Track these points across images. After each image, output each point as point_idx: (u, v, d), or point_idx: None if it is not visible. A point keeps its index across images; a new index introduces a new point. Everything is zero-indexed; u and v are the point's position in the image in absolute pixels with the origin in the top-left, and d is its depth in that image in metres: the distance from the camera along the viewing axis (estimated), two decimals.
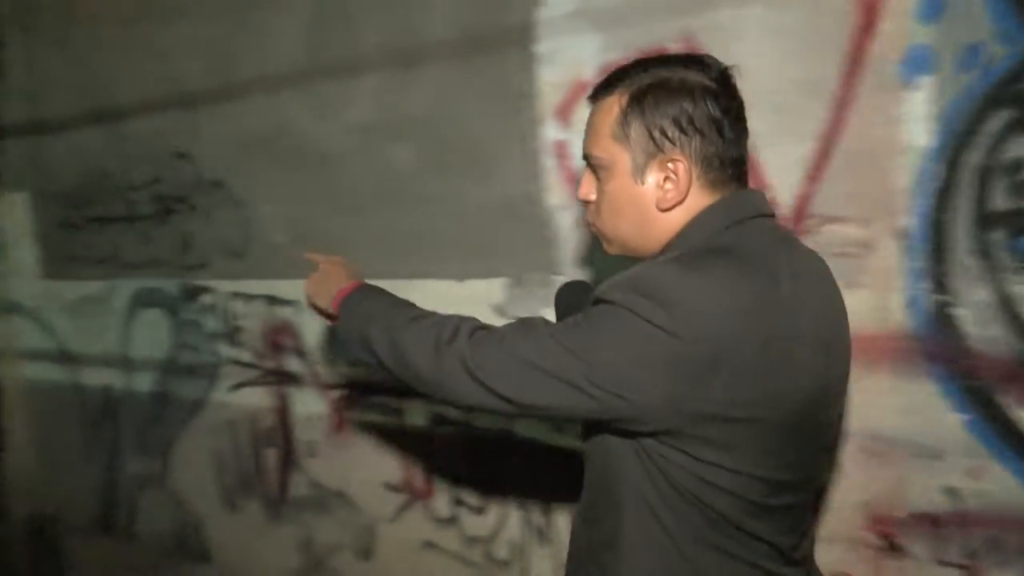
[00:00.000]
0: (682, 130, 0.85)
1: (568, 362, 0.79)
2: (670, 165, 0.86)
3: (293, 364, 2.33)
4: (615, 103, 0.88)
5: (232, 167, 2.37)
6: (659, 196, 0.88)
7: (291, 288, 2.26)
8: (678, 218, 0.87)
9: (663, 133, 0.85)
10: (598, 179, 0.92)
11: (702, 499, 0.83)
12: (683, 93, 0.84)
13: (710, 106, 0.85)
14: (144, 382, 2.71)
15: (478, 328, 0.90)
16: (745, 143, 0.90)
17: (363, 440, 2.22)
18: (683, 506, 0.84)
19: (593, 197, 0.94)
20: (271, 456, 2.41)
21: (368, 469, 2.21)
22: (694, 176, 0.86)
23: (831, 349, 0.88)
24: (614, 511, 0.89)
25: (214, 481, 2.56)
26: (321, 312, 1.14)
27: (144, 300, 2.68)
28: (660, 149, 0.86)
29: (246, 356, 2.42)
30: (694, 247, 0.84)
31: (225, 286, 2.47)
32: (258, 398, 2.41)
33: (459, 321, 0.91)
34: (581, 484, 1.01)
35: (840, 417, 1.05)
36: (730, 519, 0.83)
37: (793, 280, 0.84)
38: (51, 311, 2.97)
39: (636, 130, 0.86)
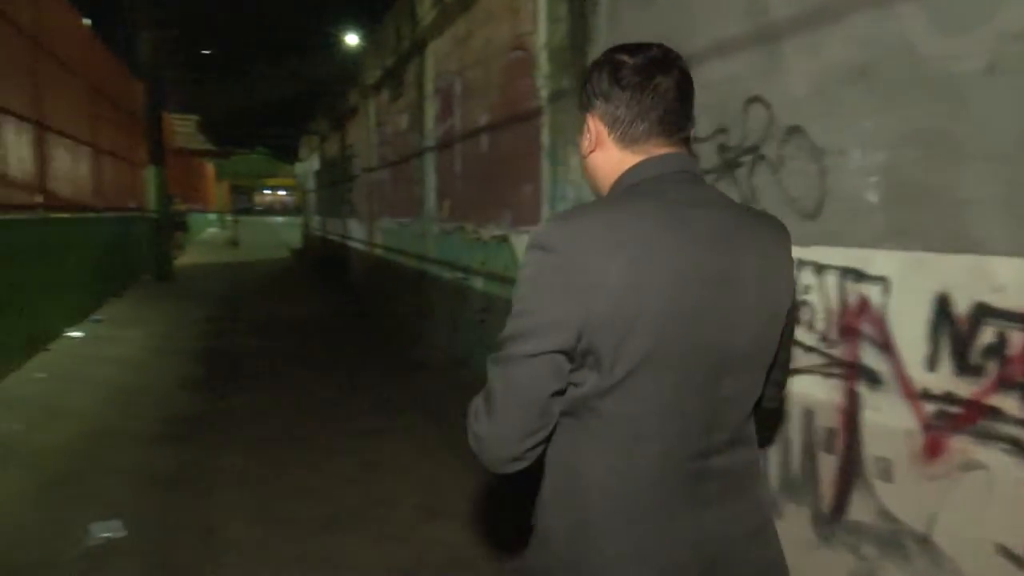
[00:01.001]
0: (593, 95, 1.11)
1: (512, 327, 0.99)
2: (588, 122, 1.14)
3: (871, 358, 1.83)
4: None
5: (815, 108, 1.96)
6: (583, 145, 1.16)
7: (884, 261, 1.75)
8: (600, 165, 1.14)
9: (585, 97, 1.13)
10: None
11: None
12: (600, 67, 1.10)
13: (616, 78, 1.07)
14: None
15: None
16: (669, 114, 1.07)
17: (970, 480, 1.59)
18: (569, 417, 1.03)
19: None
20: (827, 464, 1.98)
21: (973, 520, 1.58)
22: (605, 133, 1.11)
23: (733, 284, 1.02)
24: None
25: None
26: None
27: None
28: (584, 109, 1.14)
29: (809, 338, 2.02)
30: (608, 195, 1.12)
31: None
32: (819, 390, 2.00)
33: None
34: None
35: (766, 350, 1.09)
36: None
37: (679, 223, 1.01)
38: None
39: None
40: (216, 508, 3.36)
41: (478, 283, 4.96)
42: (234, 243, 23.35)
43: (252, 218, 62.32)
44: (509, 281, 4.31)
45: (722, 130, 2.33)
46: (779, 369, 1.20)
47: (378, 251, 9.16)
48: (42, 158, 7.24)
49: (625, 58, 1.07)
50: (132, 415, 4.77)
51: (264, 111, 21.97)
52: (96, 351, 6.73)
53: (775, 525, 1.13)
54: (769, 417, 1.94)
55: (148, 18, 11.87)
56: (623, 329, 0.96)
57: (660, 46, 1.09)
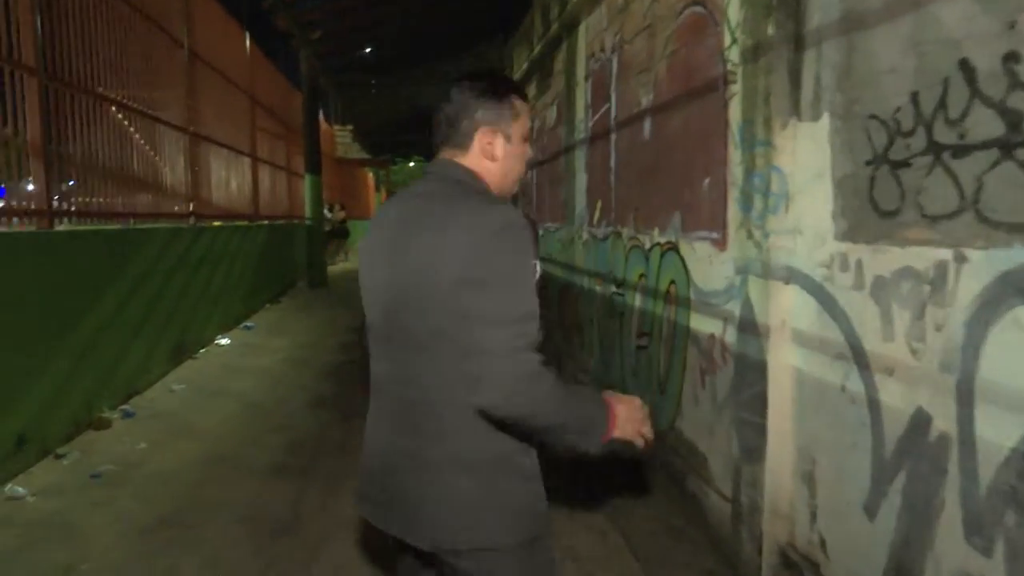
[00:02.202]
0: None
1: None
2: None
3: None
4: None
5: None
6: None
7: None
8: None
9: None
10: None
11: None
12: None
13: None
14: (1005, 429, 1.57)
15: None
16: (440, 133, 1.40)
17: None
18: None
19: None
20: None
21: None
22: None
23: (403, 264, 1.27)
24: None
25: None
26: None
27: (1019, 286, 1.52)
28: None
29: None
30: None
31: None
32: None
33: None
34: None
35: (439, 331, 1.23)
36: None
37: (397, 211, 1.35)
38: (843, 287, 2.15)
39: None
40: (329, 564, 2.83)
41: (636, 300, 4.09)
42: None
43: None
44: (680, 302, 3.41)
45: None
46: (466, 358, 1.19)
47: None
48: (195, 168, 7.32)
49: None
50: (256, 439, 4.40)
51: (417, 118, 22.37)
52: (239, 361, 6.62)
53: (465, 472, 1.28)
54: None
55: (304, 36, 12.15)
56: (363, 298, 1.40)
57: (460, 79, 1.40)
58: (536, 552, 1.33)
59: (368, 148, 27.93)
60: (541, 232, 7.20)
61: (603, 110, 4.76)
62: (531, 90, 7.67)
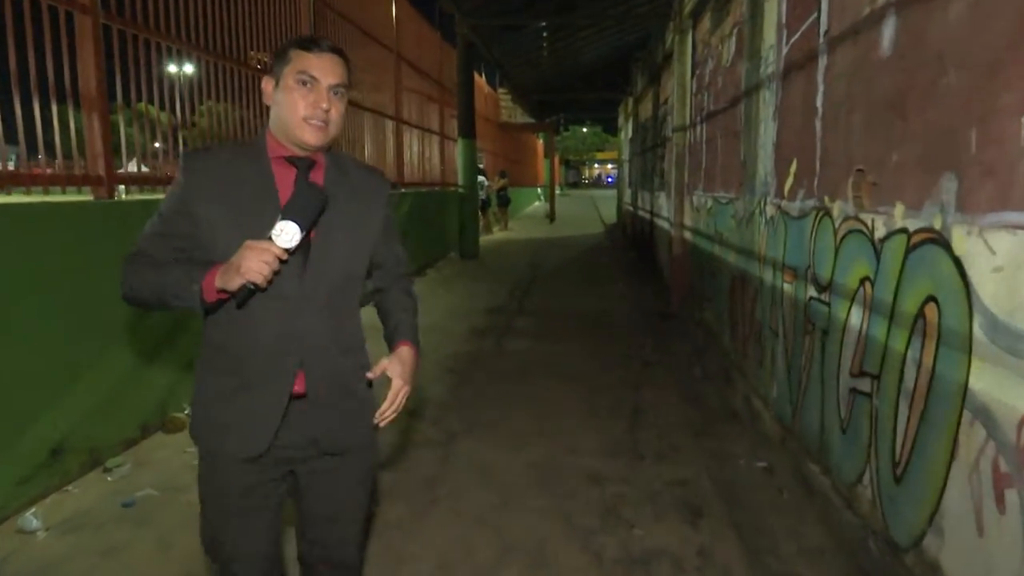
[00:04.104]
0: None
1: None
2: None
3: None
4: (343, 61, 1.48)
5: None
6: None
7: None
8: None
9: None
10: (337, 98, 1.46)
11: None
12: None
13: None
14: None
15: None
16: None
17: None
18: None
19: (334, 109, 1.46)
20: None
21: None
22: None
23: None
24: None
25: None
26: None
27: None
28: None
29: None
30: None
31: None
32: None
33: None
34: None
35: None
36: None
37: None
38: None
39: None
40: None
41: (851, 317, 2.60)
42: (550, 217, 22.99)
43: (577, 191, 64.25)
44: (948, 338, 1.91)
45: None
46: None
47: (686, 234, 7.01)
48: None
49: None
50: None
51: (585, 75, 20.92)
52: None
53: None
54: None
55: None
56: None
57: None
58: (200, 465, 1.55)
59: (531, 110, 26.87)
60: (709, 202, 5.67)
61: (807, 24, 3.21)
62: (704, 23, 6.08)
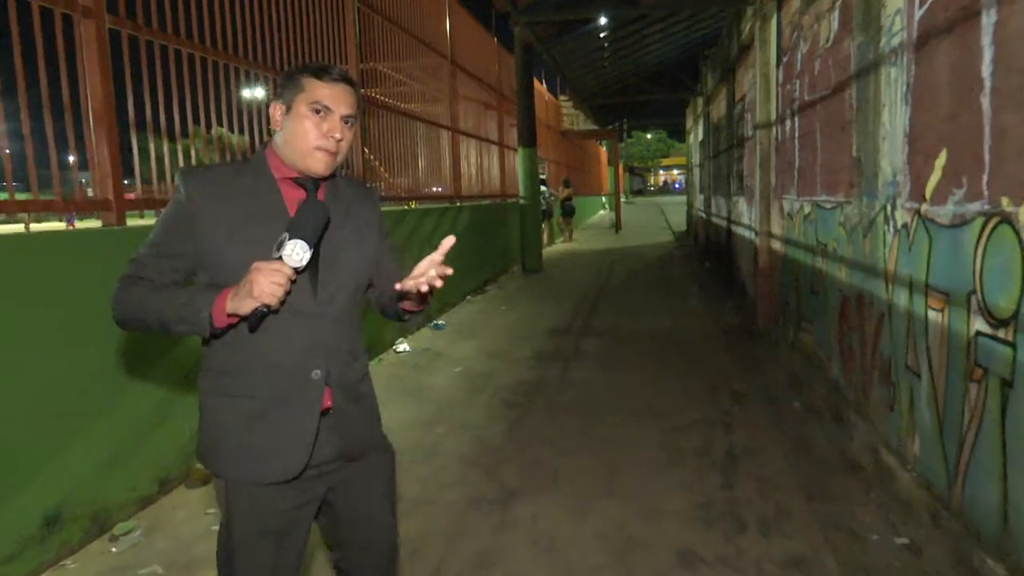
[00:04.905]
0: None
1: None
2: None
3: None
4: (353, 90, 1.48)
5: None
6: None
7: None
8: None
9: None
10: (348, 128, 1.47)
11: None
12: None
13: None
14: None
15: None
16: None
17: None
18: None
19: (344, 139, 1.48)
20: None
21: None
22: None
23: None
24: None
25: None
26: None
27: None
28: None
29: None
30: None
31: None
32: None
33: None
34: None
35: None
36: None
37: None
38: None
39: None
40: None
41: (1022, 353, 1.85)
42: (615, 227, 22.12)
43: (643, 199, 62.86)
44: None
45: None
46: None
47: (775, 244, 6.20)
48: (363, 145, 6.21)
49: None
50: None
51: (650, 76, 20.09)
52: (400, 383, 5.36)
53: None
54: None
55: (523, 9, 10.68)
56: None
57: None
58: (218, 492, 1.51)
59: (593, 116, 26.12)
60: (807, 208, 4.88)
61: None
62: (792, 2, 5.30)
